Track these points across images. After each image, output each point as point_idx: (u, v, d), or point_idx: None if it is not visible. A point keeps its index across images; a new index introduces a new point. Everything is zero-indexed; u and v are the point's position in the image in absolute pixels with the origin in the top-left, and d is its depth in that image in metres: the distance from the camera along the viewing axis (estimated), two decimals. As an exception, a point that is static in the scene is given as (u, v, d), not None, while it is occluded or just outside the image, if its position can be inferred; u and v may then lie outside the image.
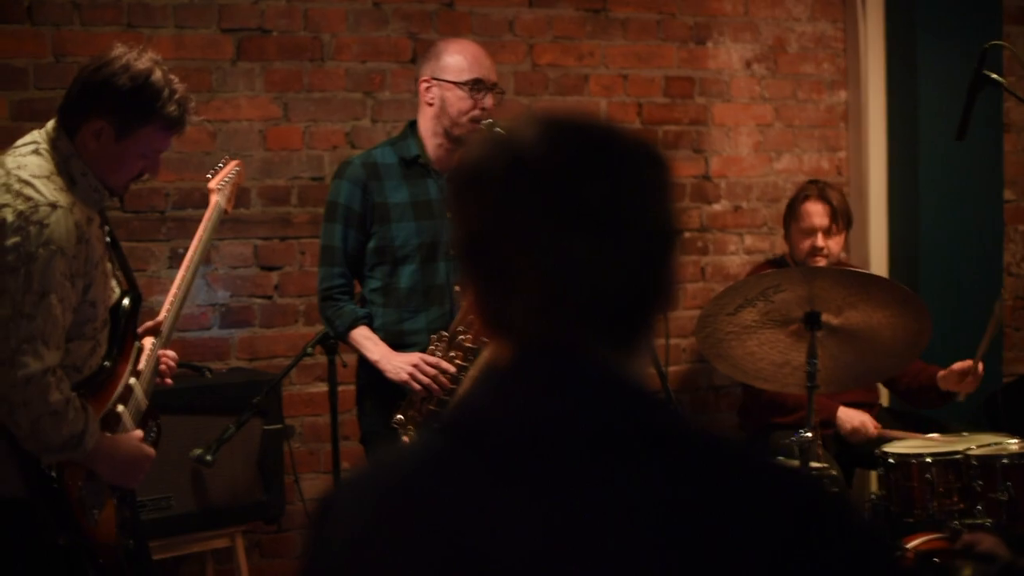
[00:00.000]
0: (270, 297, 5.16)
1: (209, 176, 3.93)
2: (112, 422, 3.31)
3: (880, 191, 6.04)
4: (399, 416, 4.06)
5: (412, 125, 4.25)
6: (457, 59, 4.13)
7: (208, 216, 3.81)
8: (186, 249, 3.70)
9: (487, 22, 5.37)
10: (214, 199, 3.86)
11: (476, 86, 4.11)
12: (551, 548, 1.39)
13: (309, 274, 5.08)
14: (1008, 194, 6.28)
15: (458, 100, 4.12)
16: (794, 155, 5.99)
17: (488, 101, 4.13)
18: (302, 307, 5.17)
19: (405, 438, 4.05)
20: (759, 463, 1.45)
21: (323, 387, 5.07)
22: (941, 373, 4.79)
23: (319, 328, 4.94)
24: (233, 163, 4.01)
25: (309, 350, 4.21)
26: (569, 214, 1.46)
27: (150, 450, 3.40)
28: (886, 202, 6.06)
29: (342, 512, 1.53)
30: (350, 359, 4.30)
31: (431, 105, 4.17)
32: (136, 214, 4.95)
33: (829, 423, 4.78)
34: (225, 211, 3.91)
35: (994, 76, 4.23)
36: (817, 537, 1.37)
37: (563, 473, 1.42)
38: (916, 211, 5.94)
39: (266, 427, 4.74)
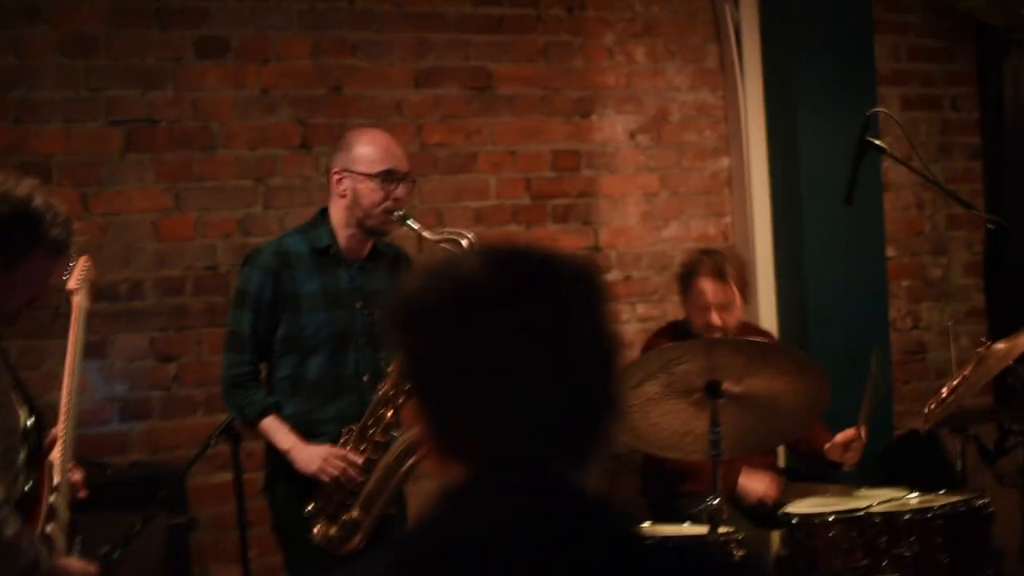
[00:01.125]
0: (168, 388, 5.28)
1: (65, 277, 3.99)
2: (47, 544, 3.34)
3: (766, 254, 6.34)
4: (311, 506, 4.21)
5: (323, 213, 4.36)
6: (368, 150, 4.26)
7: (75, 318, 3.86)
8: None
9: (375, 104, 5.59)
10: (76, 300, 3.89)
11: (388, 177, 4.23)
12: None
13: (207, 363, 5.21)
14: (890, 251, 6.64)
15: (370, 192, 4.23)
16: (681, 222, 6.27)
17: (400, 191, 4.26)
18: (201, 397, 5.30)
19: (316, 528, 4.20)
20: (726, 569, 1.62)
21: (225, 476, 5.17)
22: (827, 445, 4.96)
23: (220, 417, 5.06)
24: (82, 259, 4.06)
25: (213, 441, 4.33)
26: (517, 334, 1.56)
27: (93, 568, 3.45)
28: (772, 264, 6.37)
29: None
30: (254, 446, 4.42)
31: (343, 197, 4.27)
32: (28, 311, 5.03)
33: (729, 491, 4.97)
34: (85, 308, 3.98)
35: (877, 142, 4.52)
36: None
37: None
38: (801, 272, 6.26)
39: (171, 521, 4.82)
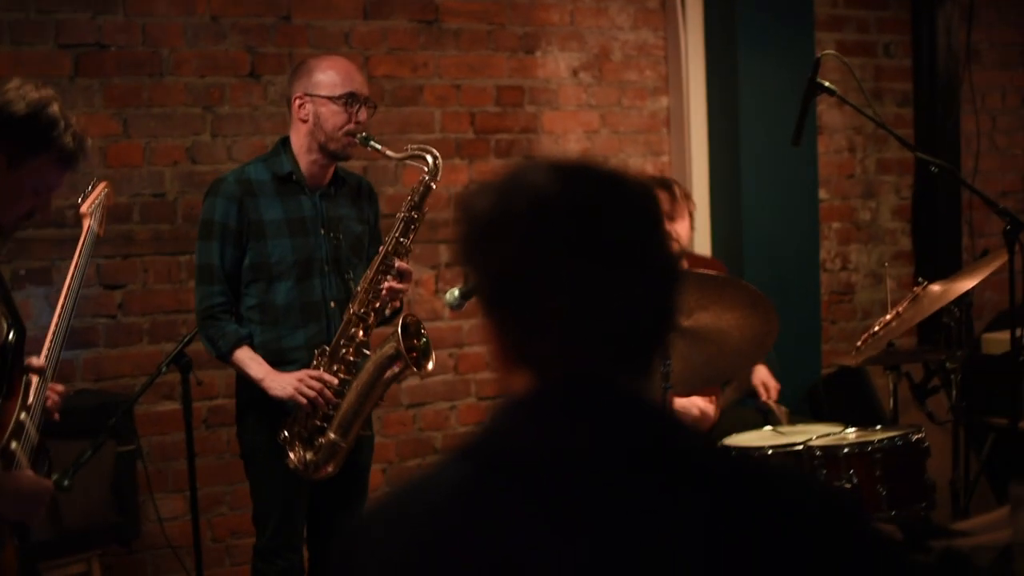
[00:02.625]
0: (114, 316, 5.32)
1: (80, 200, 4.05)
2: (7, 460, 3.35)
3: (703, 193, 6.48)
4: (284, 433, 4.29)
5: (284, 142, 4.42)
6: (330, 75, 4.33)
7: (83, 241, 3.89)
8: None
9: (323, 35, 5.64)
10: (87, 223, 3.93)
11: (350, 100, 4.31)
12: (593, 573, 1.51)
13: (153, 291, 5.26)
14: (823, 193, 6.82)
15: (333, 115, 4.30)
16: (620, 160, 6.38)
17: (362, 114, 4.33)
18: (147, 325, 5.34)
19: (291, 454, 4.28)
20: (784, 477, 1.65)
21: (171, 405, 5.25)
22: (752, 381, 5.32)
23: (165, 346, 5.14)
24: (102, 185, 4.10)
25: (164, 369, 4.39)
26: (591, 250, 1.59)
27: (47, 483, 3.45)
28: (708, 204, 6.51)
29: (374, 545, 1.61)
30: (208, 377, 4.47)
31: (305, 121, 4.33)
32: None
33: None
34: (98, 234, 4.02)
35: (827, 85, 4.63)
36: (848, 546, 1.56)
37: (599, 498, 1.53)
38: (737, 212, 6.42)
39: (119, 448, 4.88)
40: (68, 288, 3.73)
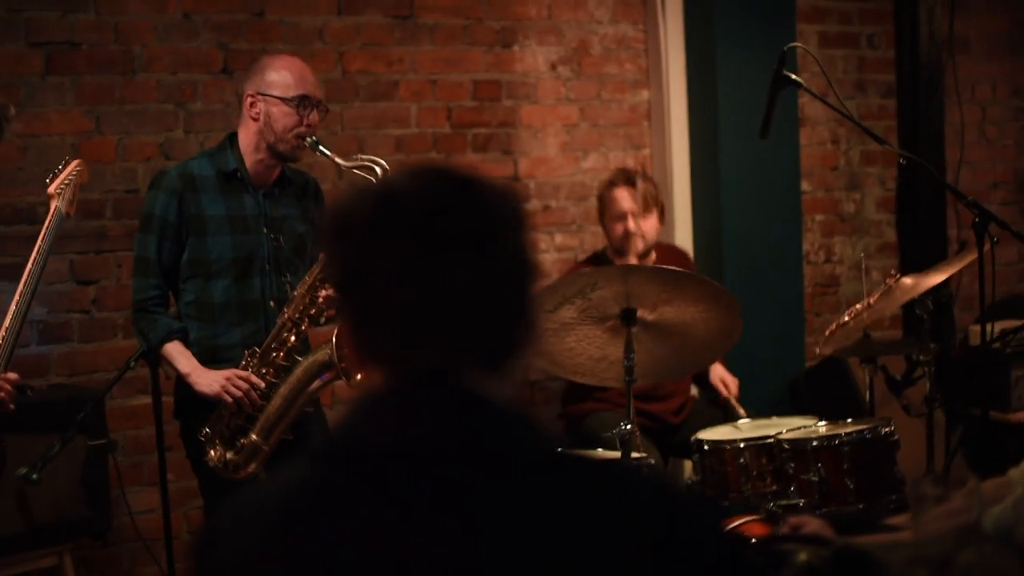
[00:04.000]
0: (88, 312, 5.38)
1: (48, 180, 4.04)
2: None
3: (684, 186, 6.53)
4: (206, 430, 4.31)
5: (231, 138, 4.44)
6: (284, 75, 4.34)
7: (48, 224, 3.89)
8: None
9: (297, 31, 5.68)
10: (54, 204, 3.95)
11: (302, 102, 4.32)
12: (434, 568, 1.55)
13: (126, 287, 5.26)
14: (805, 185, 6.85)
15: (284, 116, 4.31)
16: (600, 154, 6.42)
17: (313, 117, 4.35)
18: (121, 320, 5.39)
19: (212, 452, 4.31)
20: (632, 479, 1.70)
21: (144, 399, 5.28)
22: (711, 379, 5.40)
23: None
24: (74, 163, 4.07)
25: (132, 363, 4.42)
26: (438, 244, 1.64)
27: None
28: (689, 197, 6.56)
29: (226, 541, 1.65)
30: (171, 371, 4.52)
31: (255, 120, 4.34)
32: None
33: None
34: (67, 215, 4.01)
35: (793, 77, 4.66)
36: (690, 545, 1.60)
37: (440, 496, 1.57)
38: (718, 205, 6.45)
39: (90, 442, 4.92)
40: (29, 270, 3.75)
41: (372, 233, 1.66)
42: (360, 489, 1.60)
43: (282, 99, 4.31)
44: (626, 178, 5.42)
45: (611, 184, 5.44)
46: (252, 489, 1.76)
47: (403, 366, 1.66)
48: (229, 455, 4.31)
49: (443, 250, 1.64)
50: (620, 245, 5.36)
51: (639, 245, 5.30)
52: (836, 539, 2.88)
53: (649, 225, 5.36)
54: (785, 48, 4.79)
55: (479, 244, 1.66)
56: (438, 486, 1.58)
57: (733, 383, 5.40)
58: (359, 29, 5.82)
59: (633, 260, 5.32)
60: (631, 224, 5.31)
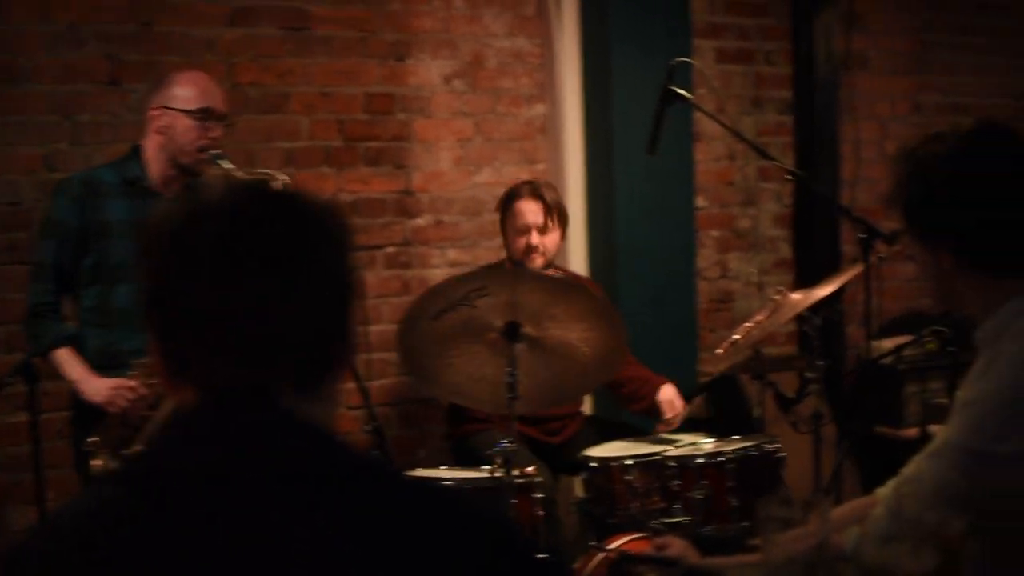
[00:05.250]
0: (-32, 326, 5.34)
1: None
2: None
3: (578, 201, 6.60)
4: (92, 439, 4.32)
5: (136, 149, 4.55)
6: (187, 89, 4.48)
7: None
8: None
9: (187, 42, 5.70)
10: None
11: (204, 115, 4.45)
12: None
13: (7, 301, 5.29)
14: (700, 201, 6.94)
15: (186, 129, 4.45)
16: (494, 168, 6.47)
17: (216, 131, 4.48)
18: (3, 335, 5.38)
19: (96, 461, 4.31)
20: (445, 506, 1.66)
21: (22, 416, 5.25)
22: (664, 395, 5.30)
23: (19, 356, 5.13)
24: None
25: (8, 380, 4.41)
26: (249, 259, 1.62)
27: None
28: (584, 212, 6.63)
29: (22, 567, 1.62)
30: (50, 387, 4.50)
31: (160, 133, 4.48)
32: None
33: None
34: None
35: (681, 92, 4.74)
36: (496, 569, 1.62)
37: (244, 519, 1.56)
38: (613, 220, 6.52)
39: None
40: None
41: (181, 246, 1.65)
42: (164, 511, 1.58)
43: (185, 112, 4.44)
44: (532, 190, 5.37)
45: (517, 195, 5.38)
46: (60, 510, 1.70)
47: (213, 385, 1.64)
48: (112, 465, 4.30)
49: (254, 265, 1.63)
50: (520, 258, 5.33)
51: (538, 261, 5.29)
52: (686, 561, 2.95)
53: (551, 240, 5.35)
54: (673, 63, 4.85)
55: (293, 260, 1.65)
56: (244, 510, 1.57)
57: (681, 408, 5.33)
58: (251, 41, 5.84)
59: None
60: (534, 238, 5.30)
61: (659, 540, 3.18)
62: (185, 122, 4.44)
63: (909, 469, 2.68)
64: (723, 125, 4.88)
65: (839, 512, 2.90)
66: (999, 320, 2.60)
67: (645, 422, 5.45)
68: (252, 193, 1.73)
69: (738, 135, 4.83)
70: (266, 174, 4.43)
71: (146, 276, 1.69)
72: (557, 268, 5.57)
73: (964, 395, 2.61)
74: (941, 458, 2.55)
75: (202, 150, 4.44)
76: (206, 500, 1.57)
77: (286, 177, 4.37)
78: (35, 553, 1.63)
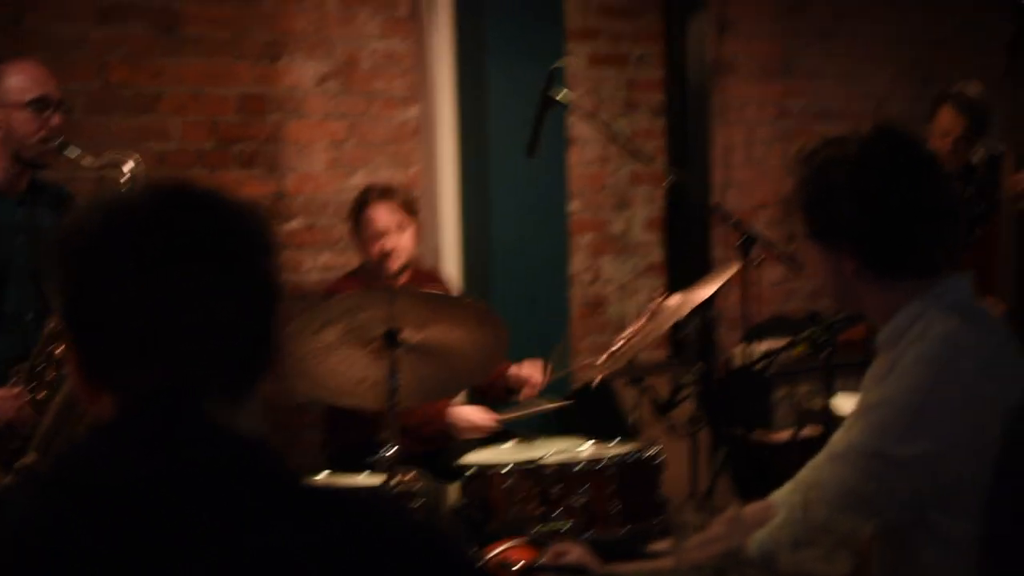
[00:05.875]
0: None
1: None
2: None
3: (452, 204, 6.60)
4: None
5: None
6: (18, 79, 4.33)
7: None
8: None
9: (56, 39, 5.60)
10: None
11: (41, 105, 4.32)
12: None
13: None
14: (575, 205, 6.98)
15: (24, 122, 4.31)
16: (368, 170, 6.44)
17: (55, 119, 4.34)
18: None
19: None
20: (370, 510, 1.65)
21: None
22: (511, 370, 5.30)
23: None
24: None
25: None
26: (171, 263, 1.59)
27: None
28: (458, 215, 6.62)
29: None
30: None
31: None
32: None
33: (436, 434, 5.25)
34: None
35: (559, 97, 4.76)
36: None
37: (174, 528, 1.53)
38: (487, 223, 6.53)
39: None
40: None
41: (101, 249, 1.62)
42: (87, 524, 1.54)
43: (20, 104, 4.30)
44: (380, 193, 5.35)
45: (365, 202, 5.34)
46: None
47: (134, 392, 1.61)
48: (7, 478, 4.22)
49: (177, 270, 1.60)
50: (377, 263, 5.31)
51: (395, 264, 5.28)
52: (596, 568, 2.95)
53: (406, 240, 5.34)
54: (553, 67, 4.88)
55: (217, 263, 1.63)
56: (169, 521, 1.54)
57: (539, 379, 5.36)
58: (122, 39, 5.75)
59: (390, 279, 5.33)
60: (389, 243, 5.28)
61: (556, 548, 3.17)
62: (22, 115, 4.30)
63: (811, 474, 2.70)
64: (608, 132, 4.89)
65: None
66: (899, 322, 2.64)
67: (521, 425, 5.46)
68: (176, 196, 1.68)
69: (618, 139, 4.86)
70: (116, 157, 4.33)
71: (62, 281, 1.65)
72: (415, 267, 5.53)
73: (867, 398, 2.65)
74: (845, 462, 2.58)
75: (45, 141, 4.32)
76: (131, 514, 1.54)
77: (132, 162, 4.31)
78: None
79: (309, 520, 1.58)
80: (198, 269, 1.61)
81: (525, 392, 5.28)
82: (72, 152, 4.28)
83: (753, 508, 2.88)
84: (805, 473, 2.76)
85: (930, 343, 2.58)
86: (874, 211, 2.62)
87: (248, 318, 1.65)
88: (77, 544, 1.53)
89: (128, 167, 4.27)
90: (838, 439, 2.71)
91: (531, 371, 5.30)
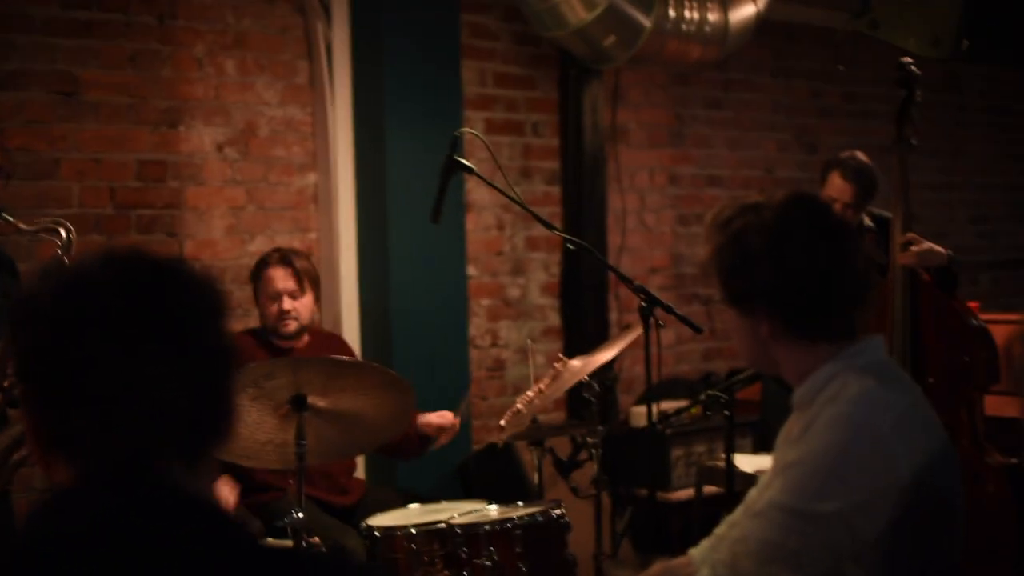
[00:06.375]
0: None
1: None
2: None
3: (351, 269, 6.64)
4: None
5: None
6: None
7: None
8: None
9: (-45, 105, 5.54)
10: None
11: None
12: None
13: None
14: (472, 270, 7.03)
15: None
16: (267, 236, 6.45)
17: None
18: None
19: None
20: (323, 567, 1.69)
21: None
22: (421, 420, 5.28)
23: None
24: None
25: None
26: (132, 332, 1.62)
27: None
28: (357, 280, 6.66)
29: None
30: None
31: None
32: None
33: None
34: None
35: (464, 162, 4.82)
36: None
37: None
38: (386, 288, 6.57)
39: None
40: None
41: (62, 320, 1.63)
42: None
43: None
44: (280, 257, 5.40)
45: (265, 264, 5.41)
46: None
47: (95, 459, 1.63)
48: None
49: (138, 338, 1.62)
50: (274, 324, 5.36)
51: (292, 326, 5.33)
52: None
53: (304, 304, 5.38)
54: (456, 133, 4.94)
55: (176, 332, 1.65)
56: None
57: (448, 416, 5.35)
58: (20, 105, 5.73)
59: (287, 341, 5.36)
60: (286, 304, 5.32)
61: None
62: None
63: (731, 531, 2.75)
64: (511, 198, 4.94)
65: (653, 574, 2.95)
66: (815, 383, 2.70)
67: (424, 487, 5.48)
68: (133, 264, 1.71)
69: (522, 206, 4.90)
70: (53, 222, 4.37)
71: (22, 351, 1.67)
72: (314, 330, 5.57)
73: (784, 457, 2.70)
74: (766, 519, 2.63)
75: None
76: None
77: (68, 225, 4.33)
78: None
79: None
80: (155, 336, 1.63)
81: (443, 438, 5.30)
82: (8, 216, 4.30)
83: (669, 565, 2.92)
84: (723, 530, 2.81)
85: (845, 403, 2.64)
86: (792, 278, 2.68)
87: (203, 383, 1.68)
88: None
89: (64, 232, 4.33)
90: (756, 497, 2.76)
91: (442, 419, 5.32)
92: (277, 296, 5.34)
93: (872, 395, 2.64)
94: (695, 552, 2.87)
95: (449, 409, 5.29)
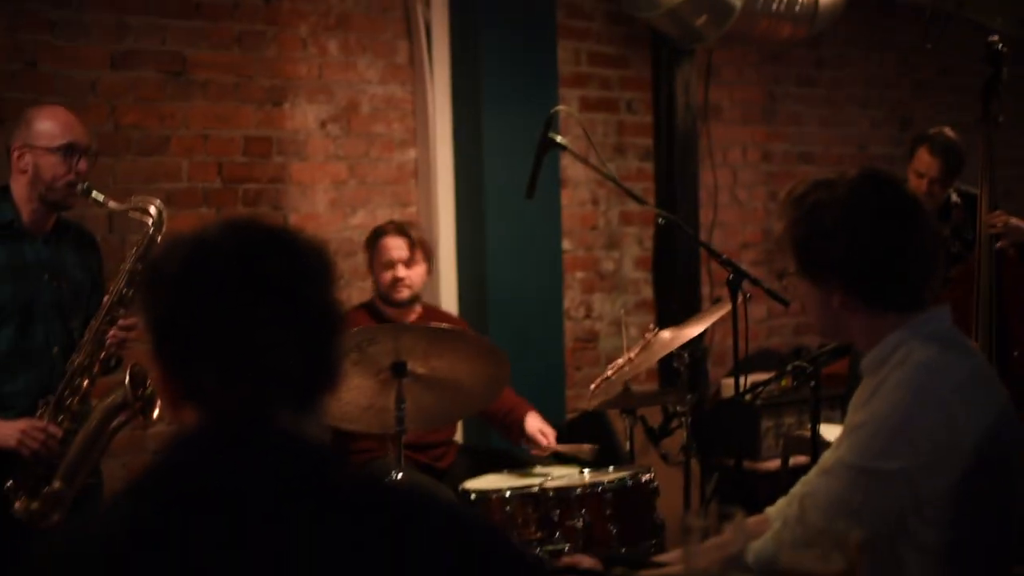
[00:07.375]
0: None
1: None
2: None
3: (449, 243, 6.77)
4: (10, 482, 4.31)
5: (4, 190, 4.47)
6: (48, 125, 4.41)
7: None
8: None
9: (70, 83, 5.74)
10: None
11: (69, 151, 4.39)
12: None
13: None
14: (567, 244, 7.15)
15: (52, 166, 4.37)
16: (368, 211, 6.60)
17: (82, 165, 4.42)
18: None
19: (17, 503, 4.30)
20: (429, 505, 1.79)
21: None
22: (529, 431, 5.43)
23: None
24: None
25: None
26: (250, 291, 1.76)
27: None
28: (455, 254, 6.80)
29: None
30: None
31: (24, 172, 4.41)
32: None
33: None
34: None
35: (559, 140, 4.93)
36: (488, 561, 1.77)
37: (261, 528, 1.68)
38: (483, 262, 6.70)
39: None
40: None
41: (187, 281, 1.78)
42: (183, 529, 1.69)
43: (48, 149, 4.38)
44: (396, 228, 5.58)
45: (382, 233, 5.58)
46: (71, 532, 1.82)
47: (218, 407, 1.77)
48: (34, 505, 4.31)
49: (255, 298, 1.76)
50: (387, 292, 5.51)
51: (404, 293, 5.48)
52: (610, 573, 3.11)
53: (416, 274, 5.53)
54: (551, 111, 5.05)
55: (290, 293, 1.79)
56: (258, 524, 1.69)
57: (552, 433, 5.47)
58: (132, 84, 5.91)
59: (399, 308, 5.51)
60: (400, 272, 5.48)
61: (569, 558, 3.32)
62: (50, 159, 4.37)
63: (803, 488, 2.87)
64: (603, 173, 5.05)
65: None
66: (882, 350, 2.81)
67: (518, 450, 5.59)
68: (250, 231, 1.85)
69: (615, 182, 5.01)
70: (142, 200, 4.51)
71: (153, 312, 1.82)
72: (425, 304, 5.73)
73: (853, 419, 2.81)
74: (834, 475, 2.75)
75: (71, 185, 4.39)
76: (222, 518, 1.69)
77: (158, 203, 4.47)
78: (60, 563, 1.74)
79: (373, 510, 1.74)
80: (273, 300, 1.78)
81: (544, 443, 5.41)
82: (98, 196, 4.40)
83: (752, 520, 3.04)
84: (798, 488, 2.92)
85: (910, 368, 2.75)
86: (862, 250, 2.79)
87: (314, 342, 1.82)
88: (170, 551, 1.68)
89: (154, 209, 4.44)
90: (828, 456, 2.87)
91: (544, 436, 5.42)
92: (391, 264, 5.51)
93: (936, 361, 2.74)
94: (771, 509, 2.99)
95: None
